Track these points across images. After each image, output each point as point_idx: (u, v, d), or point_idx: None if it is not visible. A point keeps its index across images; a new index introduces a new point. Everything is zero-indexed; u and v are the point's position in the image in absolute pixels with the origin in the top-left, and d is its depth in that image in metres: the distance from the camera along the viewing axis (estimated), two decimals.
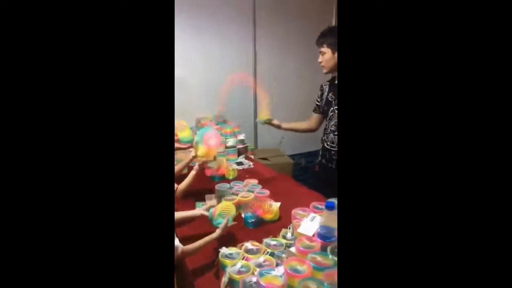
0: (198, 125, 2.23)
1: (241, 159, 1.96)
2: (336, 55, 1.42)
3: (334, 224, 0.91)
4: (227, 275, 0.80)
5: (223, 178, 1.64)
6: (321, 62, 1.45)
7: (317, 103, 1.61)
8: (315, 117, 1.64)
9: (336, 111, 1.48)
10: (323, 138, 1.57)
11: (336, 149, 1.49)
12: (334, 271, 0.76)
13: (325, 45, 1.41)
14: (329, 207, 0.87)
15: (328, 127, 1.53)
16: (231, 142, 1.99)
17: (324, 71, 1.47)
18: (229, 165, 1.73)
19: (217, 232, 0.95)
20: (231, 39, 2.58)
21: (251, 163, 1.91)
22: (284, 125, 1.64)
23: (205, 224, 1.09)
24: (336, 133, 1.49)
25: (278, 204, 1.25)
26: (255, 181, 1.52)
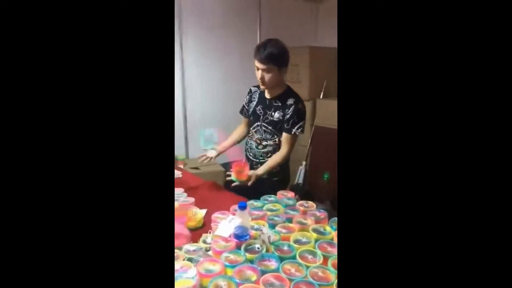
0: None
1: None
2: (280, 70, 1.38)
3: (247, 223, 0.97)
4: None
5: None
6: (262, 79, 1.39)
7: (245, 106, 1.62)
8: (245, 121, 1.66)
9: (264, 127, 1.51)
10: (246, 148, 1.63)
11: (257, 161, 1.56)
12: (245, 266, 0.81)
13: (271, 63, 1.34)
14: (241, 207, 0.93)
15: (252, 139, 1.58)
16: None
17: (263, 87, 1.44)
18: None
19: None
20: None
21: (180, 173, 1.89)
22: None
23: None
24: (259, 147, 1.55)
25: (204, 211, 1.27)
26: (181, 190, 1.51)
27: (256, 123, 1.56)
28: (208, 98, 2.80)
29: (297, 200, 1.26)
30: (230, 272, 0.80)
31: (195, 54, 2.66)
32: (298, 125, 1.46)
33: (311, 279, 0.76)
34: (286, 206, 1.20)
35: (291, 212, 1.15)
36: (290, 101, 1.46)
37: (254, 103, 1.56)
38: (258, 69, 1.39)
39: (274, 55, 1.34)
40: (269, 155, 1.55)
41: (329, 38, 3.01)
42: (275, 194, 1.31)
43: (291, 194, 1.31)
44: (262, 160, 1.56)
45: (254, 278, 0.77)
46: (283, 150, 1.50)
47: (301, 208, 1.17)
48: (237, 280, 0.75)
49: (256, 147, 1.57)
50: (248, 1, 2.82)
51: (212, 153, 1.62)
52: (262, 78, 1.39)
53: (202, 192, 1.56)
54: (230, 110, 2.92)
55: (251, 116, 1.58)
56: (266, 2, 2.88)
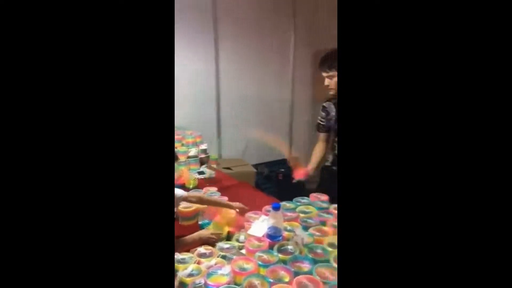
0: None
1: (203, 168, 1.98)
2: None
3: (280, 224, 0.97)
4: (178, 279, 0.82)
5: (183, 187, 1.65)
6: (328, 86, 1.49)
7: (321, 122, 1.62)
8: (323, 135, 1.63)
9: None
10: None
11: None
12: (278, 267, 0.81)
13: (333, 69, 1.44)
14: (275, 208, 0.93)
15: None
16: (193, 152, 2.01)
17: (332, 93, 1.52)
18: (190, 175, 1.75)
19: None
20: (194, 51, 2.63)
21: (213, 172, 1.94)
22: (311, 166, 1.57)
23: None
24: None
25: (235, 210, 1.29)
26: (214, 189, 1.55)
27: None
28: (242, 99, 2.84)
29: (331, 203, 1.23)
30: (263, 271, 0.81)
31: (230, 55, 2.72)
32: None
33: None
34: (320, 209, 1.19)
35: (325, 216, 1.13)
36: None
37: (333, 112, 1.57)
38: (324, 77, 1.48)
39: (334, 62, 1.43)
40: None
41: None
42: (308, 196, 1.30)
43: (324, 197, 1.29)
44: None
45: (287, 279, 0.77)
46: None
47: (335, 211, 1.14)
48: (271, 280, 0.75)
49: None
50: (281, 6, 2.82)
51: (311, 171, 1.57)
52: (328, 85, 1.48)
53: (234, 192, 1.59)
54: (262, 112, 2.98)
55: (335, 125, 1.56)
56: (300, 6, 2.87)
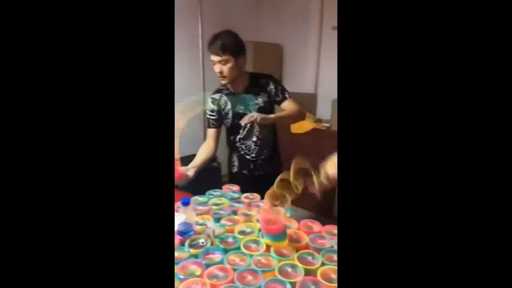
0: None
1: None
2: (238, 60, 1.30)
3: (192, 219, 0.97)
4: None
5: None
6: (221, 72, 1.31)
7: (211, 117, 1.46)
8: (212, 132, 1.48)
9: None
10: (244, 153, 1.49)
11: (256, 157, 1.46)
12: (189, 262, 0.81)
13: (227, 53, 1.27)
14: (184, 203, 0.92)
15: (245, 142, 1.47)
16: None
17: (225, 81, 1.35)
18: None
19: None
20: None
21: None
22: (191, 167, 1.37)
23: None
24: (258, 143, 1.45)
25: None
26: None
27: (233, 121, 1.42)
28: None
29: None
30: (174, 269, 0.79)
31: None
32: (287, 91, 1.42)
33: (254, 267, 0.79)
34: (231, 199, 1.22)
35: (236, 205, 1.18)
36: (263, 80, 1.41)
37: (229, 106, 1.43)
38: (214, 63, 1.32)
39: (229, 45, 1.28)
40: (269, 145, 1.49)
41: (272, 34, 3.08)
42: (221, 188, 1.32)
43: (236, 187, 1.33)
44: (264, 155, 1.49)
45: (198, 272, 0.78)
46: (296, 108, 1.39)
47: (246, 200, 1.20)
48: (181, 276, 0.75)
49: (254, 142, 1.46)
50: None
51: (191, 172, 1.36)
52: (221, 72, 1.31)
53: None
54: None
55: (233, 121, 1.42)
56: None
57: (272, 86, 1.42)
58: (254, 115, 1.24)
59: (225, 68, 1.30)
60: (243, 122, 1.27)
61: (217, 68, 1.32)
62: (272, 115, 1.33)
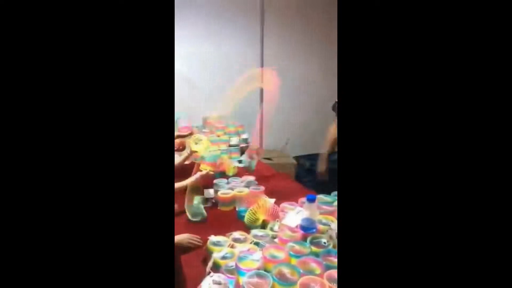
0: (205, 124, 2.31)
1: (243, 157, 2.02)
2: None
3: (315, 216, 0.96)
4: (212, 260, 0.86)
5: (223, 175, 1.70)
6: None
7: None
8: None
9: None
10: None
11: None
12: (310, 258, 0.81)
13: None
14: (310, 200, 0.92)
15: None
16: (234, 141, 2.06)
17: None
18: (231, 163, 1.79)
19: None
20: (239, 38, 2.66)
21: (252, 161, 1.96)
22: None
23: None
24: None
25: (273, 200, 1.30)
26: (252, 178, 1.58)
27: None
28: (284, 93, 2.81)
29: None
30: (294, 261, 0.81)
31: (275, 51, 2.70)
32: None
33: None
34: None
35: None
36: None
37: None
38: None
39: None
40: None
41: None
42: None
43: None
44: None
45: (318, 271, 0.76)
46: None
47: None
48: (301, 271, 0.75)
49: None
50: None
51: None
52: None
53: (272, 182, 1.60)
54: (305, 106, 2.92)
55: None
56: None
57: None
58: None
59: None
60: None
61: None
62: None
